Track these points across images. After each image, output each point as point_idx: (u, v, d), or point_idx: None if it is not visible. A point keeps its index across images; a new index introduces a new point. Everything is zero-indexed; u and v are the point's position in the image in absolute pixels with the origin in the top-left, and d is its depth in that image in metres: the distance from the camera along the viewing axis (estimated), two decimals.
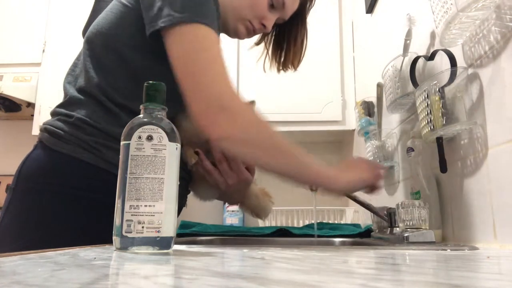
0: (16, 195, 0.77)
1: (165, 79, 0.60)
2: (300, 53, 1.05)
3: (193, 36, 0.74)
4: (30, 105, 2.38)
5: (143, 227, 0.48)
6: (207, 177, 0.87)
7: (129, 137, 0.50)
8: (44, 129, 0.80)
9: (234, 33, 0.95)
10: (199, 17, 0.74)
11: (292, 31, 1.04)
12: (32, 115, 2.31)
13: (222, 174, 0.86)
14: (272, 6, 0.92)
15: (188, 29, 0.73)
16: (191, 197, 0.96)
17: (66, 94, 0.84)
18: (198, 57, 0.73)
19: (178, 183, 0.52)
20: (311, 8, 1.04)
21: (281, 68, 1.08)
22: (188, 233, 1.43)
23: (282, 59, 1.07)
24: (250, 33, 0.95)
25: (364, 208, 1.09)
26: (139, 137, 0.49)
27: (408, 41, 1.08)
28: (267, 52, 1.09)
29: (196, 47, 0.73)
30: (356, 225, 1.62)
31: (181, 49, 0.73)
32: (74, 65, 0.87)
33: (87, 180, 0.76)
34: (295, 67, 1.07)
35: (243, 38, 0.97)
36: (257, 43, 1.11)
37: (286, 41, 1.05)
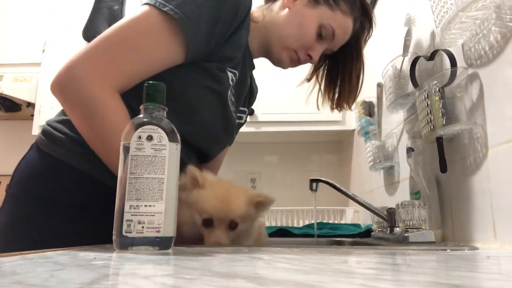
0: (10, 197, 0.77)
1: None
2: (356, 90, 0.97)
3: (145, 19, 0.69)
4: (30, 105, 2.38)
5: (143, 227, 0.48)
6: None
7: (129, 137, 0.50)
8: (42, 130, 0.79)
9: (277, 62, 0.90)
10: (176, 12, 0.68)
11: (347, 65, 0.96)
12: (32, 115, 2.31)
13: None
14: (320, 36, 0.86)
15: (152, 12, 0.69)
16: None
17: None
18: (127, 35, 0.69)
19: (178, 183, 0.52)
20: (368, 39, 0.95)
21: (334, 107, 1.00)
22: None
23: (336, 96, 0.98)
24: (294, 63, 0.90)
25: (364, 208, 1.09)
26: (139, 137, 0.49)
27: (408, 41, 1.08)
28: (319, 87, 1.01)
29: (139, 29, 0.69)
30: (356, 225, 1.62)
31: (125, 21, 0.69)
32: None
33: (76, 187, 0.74)
34: (349, 106, 0.99)
35: (286, 68, 0.92)
36: (308, 79, 1.03)
37: (340, 77, 0.97)
